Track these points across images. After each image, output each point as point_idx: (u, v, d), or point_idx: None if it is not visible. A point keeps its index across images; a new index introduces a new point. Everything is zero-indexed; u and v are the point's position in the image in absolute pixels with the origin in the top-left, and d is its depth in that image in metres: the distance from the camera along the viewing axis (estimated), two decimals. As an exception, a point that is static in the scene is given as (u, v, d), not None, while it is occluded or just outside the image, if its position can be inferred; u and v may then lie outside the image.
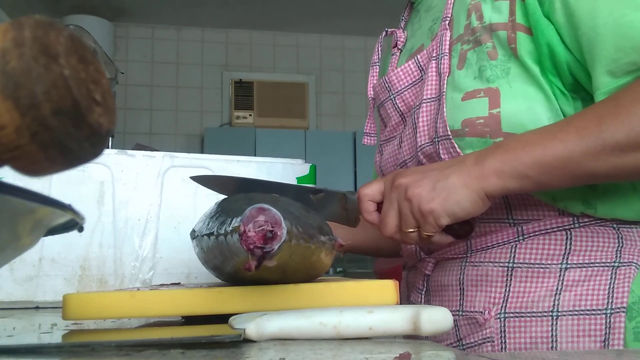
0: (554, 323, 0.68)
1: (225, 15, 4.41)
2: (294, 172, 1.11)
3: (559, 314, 0.68)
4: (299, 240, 0.53)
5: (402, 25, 0.96)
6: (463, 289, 0.76)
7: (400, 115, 0.86)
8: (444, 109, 0.74)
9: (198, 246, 0.63)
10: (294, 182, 1.10)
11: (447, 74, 0.77)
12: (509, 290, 0.72)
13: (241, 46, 4.71)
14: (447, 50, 0.77)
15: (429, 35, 0.85)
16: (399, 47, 0.93)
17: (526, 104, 0.70)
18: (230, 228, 0.52)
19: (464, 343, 0.74)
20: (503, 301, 0.72)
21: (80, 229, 0.44)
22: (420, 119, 0.78)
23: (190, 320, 0.61)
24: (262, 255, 0.48)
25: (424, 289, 0.83)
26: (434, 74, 0.78)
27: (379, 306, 0.51)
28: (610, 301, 0.67)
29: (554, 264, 0.70)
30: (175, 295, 0.56)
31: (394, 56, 0.93)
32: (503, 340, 0.70)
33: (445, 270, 0.79)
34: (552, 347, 0.68)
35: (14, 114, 0.30)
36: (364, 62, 4.77)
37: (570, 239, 0.71)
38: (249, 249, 0.48)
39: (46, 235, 0.42)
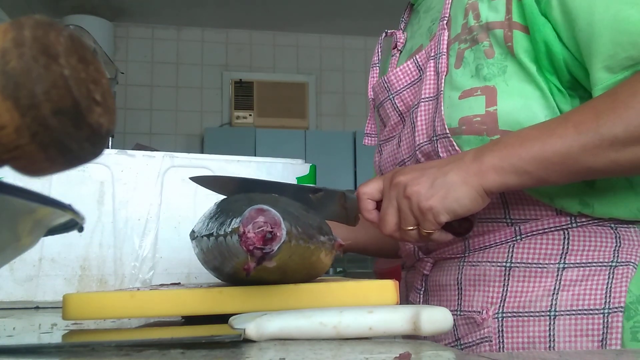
0: (552, 323, 0.68)
1: (225, 15, 4.41)
2: (294, 172, 1.11)
3: (557, 313, 0.68)
4: (299, 240, 0.53)
5: (401, 27, 0.96)
6: (461, 288, 0.76)
7: (399, 115, 0.86)
8: (442, 108, 0.74)
9: (198, 247, 0.63)
10: (294, 182, 1.10)
11: (444, 73, 0.77)
12: (507, 289, 0.72)
13: (241, 46, 4.71)
14: (444, 50, 0.78)
15: (427, 35, 0.86)
16: (399, 48, 0.93)
17: (523, 102, 0.70)
18: (230, 229, 0.52)
19: (462, 343, 0.74)
20: (501, 301, 0.72)
21: (80, 229, 0.44)
22: (418, 118, 0.78)
23: (190, 320, 0.61)
24: (262, 256, 0.48)
25: (423, 289, 0.83)
26: (432, 73, 0.78)
27: (379, 306, 0.51)
28: (607, 301, 0.67)
29: (552, 263, 0.70)
30: (175, 295, 0.56)
31: (394, 57, 0.93)
32: (501, 340, 0.71)
33: (443, 270, 0.79)
34: (549, 346, 0.68)
35: (14, 114, 0.30)
36: (364, 62, 4.77)
37: (568, 238, 0.71)
38: (248, 250, 0.48)
39: (46, 235, 0.42)
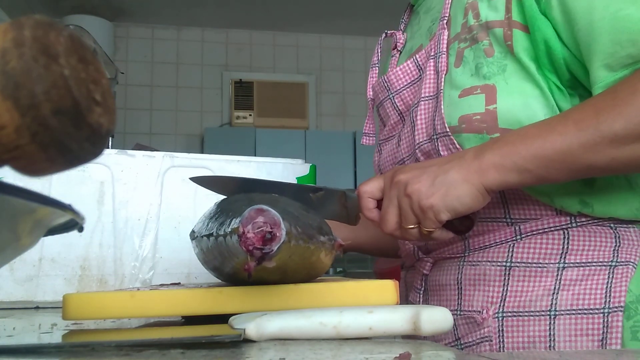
0: (552, 322, 0.68)
1: (225, 15, 4.41)
2: (294, 172, 1.11)
3: (557, 313, 0.68)
4: (299, 240, 0.53)
5: (401, 28, 0.96)
6: (461, 288, 0.76)
7: (399, 114, 0.86)
8: (442, 106, 0.75)
9: (197, 247, 0.63)
10: (294, 182, 1.10)
11: (444, 72, 0.77)
12: (507, 289, 0.72)
13: (241, 46, 4.71)
14: (444, 49, 0.78)
15: (427, 35, 0.86)
16: (399, 48, 0.93)
17: (522, 101, 0.70)
18: (230, 229, 0.52)
19: (462, 342, 0.74)
20: (501, 300, 0.72)
21: (80, 229, 0.44)
22: (418, 117, 0.78)
23: (190, 320, 0.61)
24: (262, 256, 0.48)
25: (422, 289, 0.83)
26: (432, 72, 0.79)
27: (379, 306, 0.51)
28: (607, 300, 0.67)
29: (552, 263, 0.70)
30: (175, 295, 0.56)
31: (394, 57, 0.93)
32: (501, 340, 0.71)
33: (443, 270, 0.79)
34: (549, 346, 0.68)
35: (14, 114, 0.30)
36: (364, 62, 4.77)
37: (568, 238, 0.71)
38: (248, 250, 0.48)
39: (46, 235, 0.42)
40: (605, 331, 0.66)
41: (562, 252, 0.70)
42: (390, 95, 0.87)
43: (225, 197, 0.70)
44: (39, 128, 0.31)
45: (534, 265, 0.71)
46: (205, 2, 4.19)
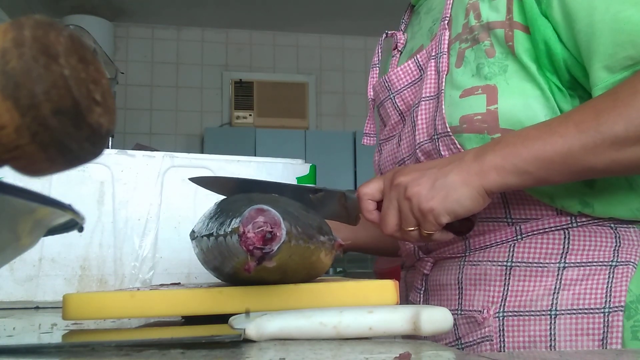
0: (552, 322, 0.68)
1: (225, 15, 4.41)
2: (294, 172, 1.11)
3: (557, 312, 0.68)
4: (299, 240, 0.53)
5: (402, 28, 0.96)
6: (462, 288, 0.76)
7: (399, 114, 0.86)
8: (443, 107, 0.75)
9: (198, 247, 0.63)
10: (294, 182, 1.10)
11: (445, 72, 0.77)
12: (508, 289, 0.72)
13: (241, 46, 4.71)
14: (445, 49, 0.78)
15: (428, 35, 0.86)
16: (399, 49, 0.93)
17: (523, 101, 0.70)
18: (230, 229, 0.52)
19: (462, 342, 0.74)
20: (501, 300, 0.72)
21: (80, 229, 0.44)
22: (419, 117, 0.78)
23: (190, 320, 0.61)
24: (262, 256, 0.48)
25: (423, 289, 0.83)
26: (433, 72, 0.79)
27: (379, 306, 0.51)
28: (608, 300, 0.67)
29: (552, 263, 0.70)
30: (175, 295, 0.56)
31: (394, 58, 0.93)
32: (502, 339, 0.71)
33: (443, 270, 0.79)
34: (550, 345, 0.68)
35: (14, 114, 0.30)
36: (364, 62, 4.77)
37: (568, 238, 0.71)
38: (248, 250, 0.48)
39: (46, 235, 0.42)
40: (605, 331, 0.66)
41: (563, 252, 0.71)
42: (391, 95, 0.87)
43: (225, 197, 0.70)
44: (39, 128, 0.31)
45: (535, 265, 0.71)
46: (205, 2, 4.19)
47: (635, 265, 0.69)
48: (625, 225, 0.72)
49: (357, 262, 3.60)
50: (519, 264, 0.72)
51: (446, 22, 0.79)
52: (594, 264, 0.69)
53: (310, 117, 4.70)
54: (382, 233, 0.71)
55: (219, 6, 4.26)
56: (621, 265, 0.69)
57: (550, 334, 0.68)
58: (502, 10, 0.73)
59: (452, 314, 0.48)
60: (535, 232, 0.72)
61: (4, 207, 0.33)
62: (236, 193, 0.71)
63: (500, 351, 0.70)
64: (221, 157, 1.08)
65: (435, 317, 0.46)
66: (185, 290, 0.56)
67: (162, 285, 0.78)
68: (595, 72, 0.65)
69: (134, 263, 1.01)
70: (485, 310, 0.73)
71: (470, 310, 0.75)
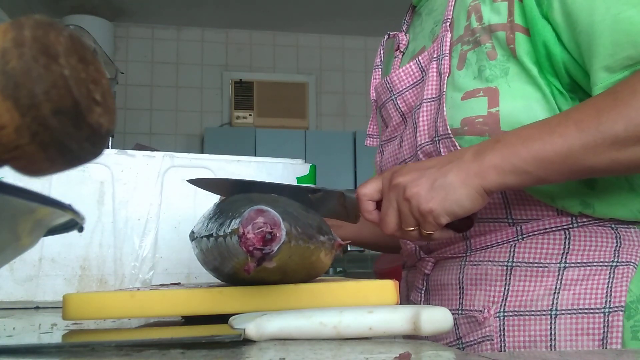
0: (553, 322, 0.68)
1: (225, 15, 4.41)
2: (294, 172, 1.11)
3: (558, 312, 0.68)
4: (298, 241, 0.53)
5: (404, 29, 0.96)
6: (462, 288, 0.76)
7: (401, 115, 0.86)
8: (444, 108, 0.75)
9: (197, 247, 0.63)
10: (294, 182, 1.10)
11: (447, 74, 0.77)
12: (508, 289, 0.72)
13: (241, 46, 4.71)
14: (447, 51, 0.78)
15: (430, 37, 0.86)
16: (401, 50, 0.93)
17: (524, 103, 0.70)
18: (229, 230, 0.52)
19: (463, 342, 0.74)
20: (502, 300, 0.72)
21: (80, 229, 0.44)
22: (420, 119, 0.78)
23: (190, 320, 0.61)
24: (262, 256, 0.48)
25: (424, 288, 0.83)
26: (435, 74, 0.78)
27: (379, 306, 0.51)
28: (608, 300, 0.67)
29: (553, 263, 0.70)
30: (175, 295, 0.56)
31: (396, 59, 0.93)
32: (502, 339, 0.71)
33: (444, 270, 0.79)
34: (550, 345, 0.68)
35: (14, 114, 0.30)
36: (364, 62, 4.77)
37: (569, 238, 0.71)
38: (248, 251, 0.48)
39: (46, 235, 0.42)
40: (605, 331, 0.66)
41: (563, 252, 0.71)
42: (393, 97, 0.87)
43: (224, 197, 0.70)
44: (39, 128, 0.31)
45: (535, 265, 0.71)
46: (205, 2, 4.19)
47: (635, 266, 0.69)
48: (625, 226, 0.72)
49: (357, 262, 3.60)
50: (519, 264, 0.72)
51: (448, 23, 0.79)
52: (595, 264, 0.70)
53: (310, 117, 4.70)
54: (383, 232, 0.71)
55: (219, 6, 4.26)
56: (622, 265, 0.69)
57: (551, 333, 0.68)
58: (503, 13, 0.73)
59: (453, 314, 0.48)
60: (535, 233, 0.72)
61: (4, 207, 0.33)
62: (235, 194, 0.71)
63: (501, 351, 0.70)
64: (221, 157, 1.08)
65: (435, 317, 0.46)
66: (185, 290, 0.56)
67: (162, 285, 0.78)
68: (595, 72, 0.65)
69: (134, 263, 1.01)
70: (485, 310, 0.73)
71: (470, 310, 0.75)
